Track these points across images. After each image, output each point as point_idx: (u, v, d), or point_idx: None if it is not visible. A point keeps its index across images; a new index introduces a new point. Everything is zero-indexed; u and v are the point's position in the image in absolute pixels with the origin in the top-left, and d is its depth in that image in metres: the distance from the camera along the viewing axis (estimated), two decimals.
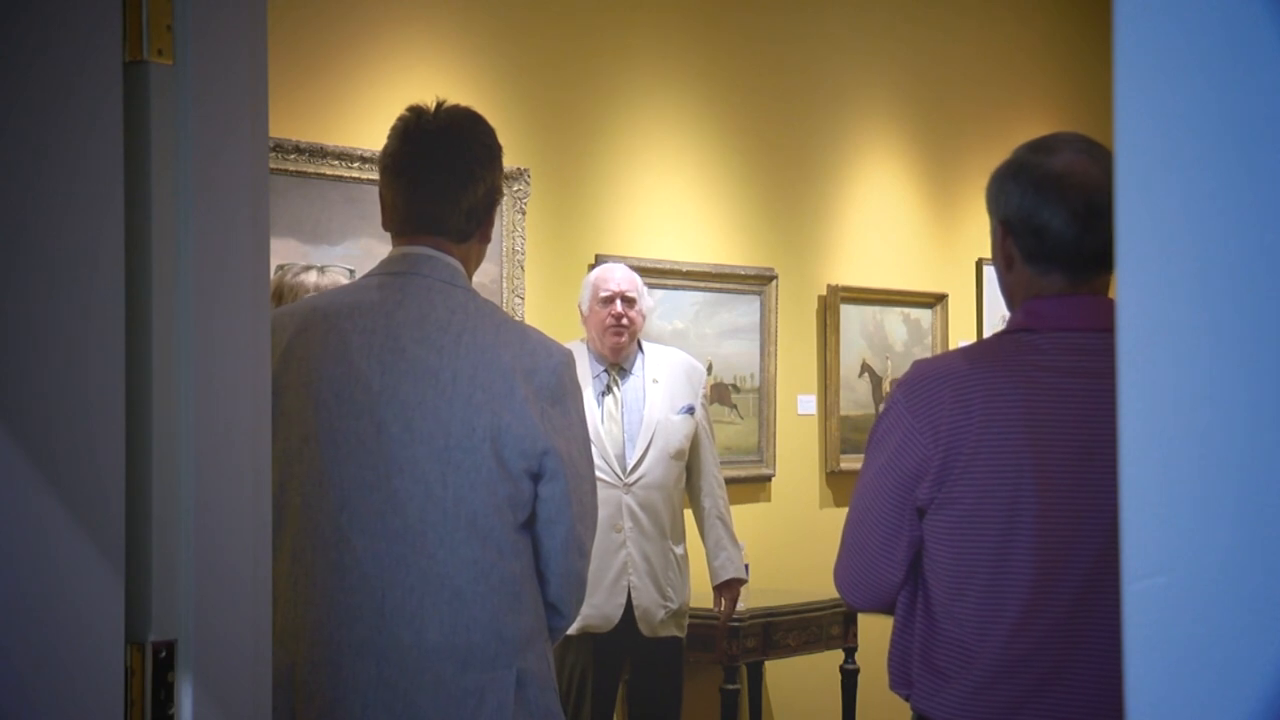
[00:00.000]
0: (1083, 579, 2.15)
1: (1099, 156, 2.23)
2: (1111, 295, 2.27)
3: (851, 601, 2.42)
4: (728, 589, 4.97)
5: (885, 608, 2.36)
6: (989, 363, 2.23)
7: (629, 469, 4.68)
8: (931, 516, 2.23)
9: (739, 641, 5.30)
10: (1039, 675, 2.16)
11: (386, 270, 2.50)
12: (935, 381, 2.23)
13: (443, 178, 2.47)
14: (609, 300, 4.69)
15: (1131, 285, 0.95)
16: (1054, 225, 2.20)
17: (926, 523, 2.24)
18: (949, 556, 2.23)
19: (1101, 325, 2.21)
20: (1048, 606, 2.16)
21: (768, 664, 5.83)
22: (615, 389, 4.74)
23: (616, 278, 4.74)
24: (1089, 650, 2.15)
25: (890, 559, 2.29)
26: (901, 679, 2.31)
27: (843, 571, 2.38)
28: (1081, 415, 2.16)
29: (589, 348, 4.75)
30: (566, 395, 2.46)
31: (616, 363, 4.75)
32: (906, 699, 2.31)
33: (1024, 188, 2.23)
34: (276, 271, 3.35)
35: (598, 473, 4.53)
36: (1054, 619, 2.16)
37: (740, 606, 5.13)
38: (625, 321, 4.68)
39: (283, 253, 4.41)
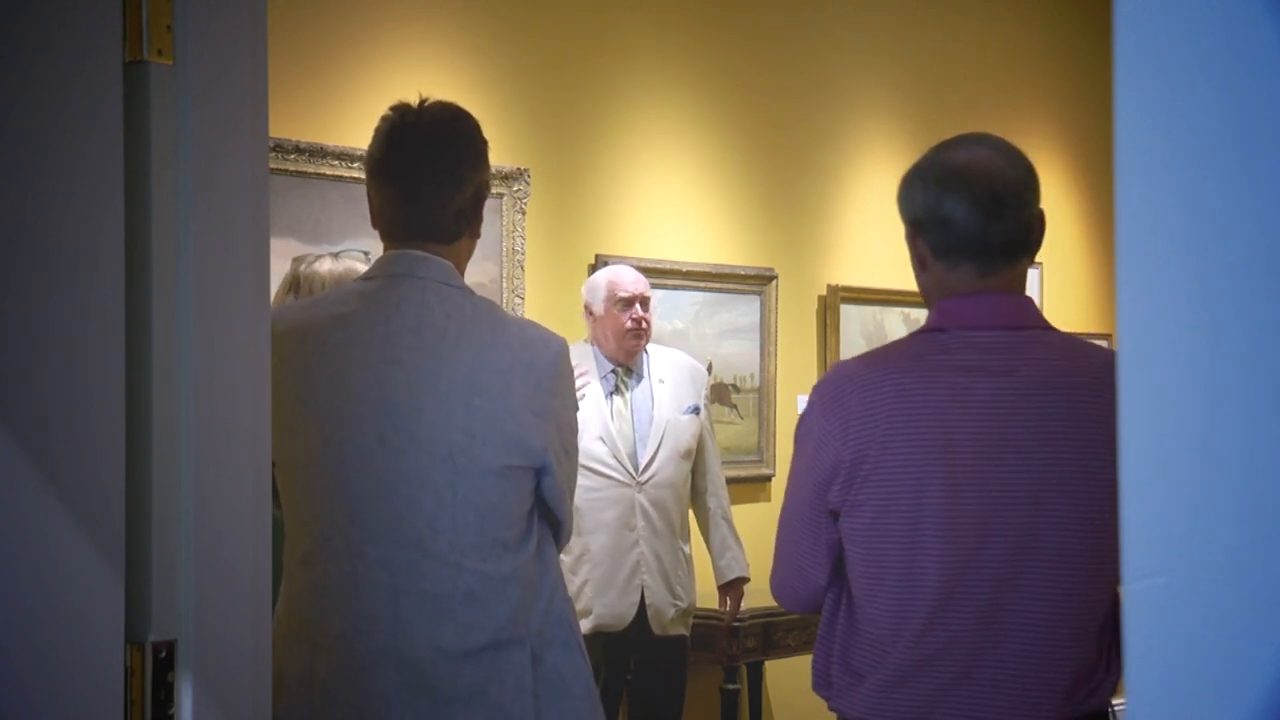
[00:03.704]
0: (993, 580, 2.16)
1: (1005, 150, 2.26)
2: (1026, 292, 2.30)
3: (785, 605, 2.45)
4: (733, 588, 4.98)
5: (815, 610, 2.38)
6: (898, 363, 2.25)
7: (641, 468, 4.67)
8: (845, 518, 2.25)
9: (739, 641, 5.30)
10: (948, 676, 2.18)
11: (382, 273, 2.48)
12: (846, 383, 2.26)
13: (432, 184, 2.45)
14: (629, 303, 4.65)
15: (1131, 285, 0.95)
16: (958, 215, 2.22)
17: (842, 525, 2.26)
18: (862, 557, 2.25)
19: (1010, 323, 2.23)
20: (956, 606, 2.17)
21: (768, 664, 5.82)
22: (624, 389, 4.73)
23: (632, 279, 4.71)
24: (1000, 651, 2.17)
25: (814, 562, 2.32)
26: (823, 680, 2.33)
27: (775, 576, 2.42)
28: (989, 414, 2.18)
29: (595, 348, 4.73)
30: (564, 382, 2.48)
31: (624, 363, 4.74)
32: (827, 700, 2.33)
33: (927, 183, 2.25)
34: (292, 263, 3.35)
35: (609, 471, 4.59)
36: (963, 619, 2.17)
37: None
38: (645, 325, 4.67)
39: (283, 253, 4.40)
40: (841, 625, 2.30)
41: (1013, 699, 2.16)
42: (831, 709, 2.32)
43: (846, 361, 2.36)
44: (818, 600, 2.34)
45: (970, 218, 2.21)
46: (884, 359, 2.28)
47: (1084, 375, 2.20)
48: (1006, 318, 2.23)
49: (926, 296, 2.31)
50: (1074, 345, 2.29)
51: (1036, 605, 2.16)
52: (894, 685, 2.21)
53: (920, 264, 2.29)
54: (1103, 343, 7.57)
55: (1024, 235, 2.24)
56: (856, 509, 2.23)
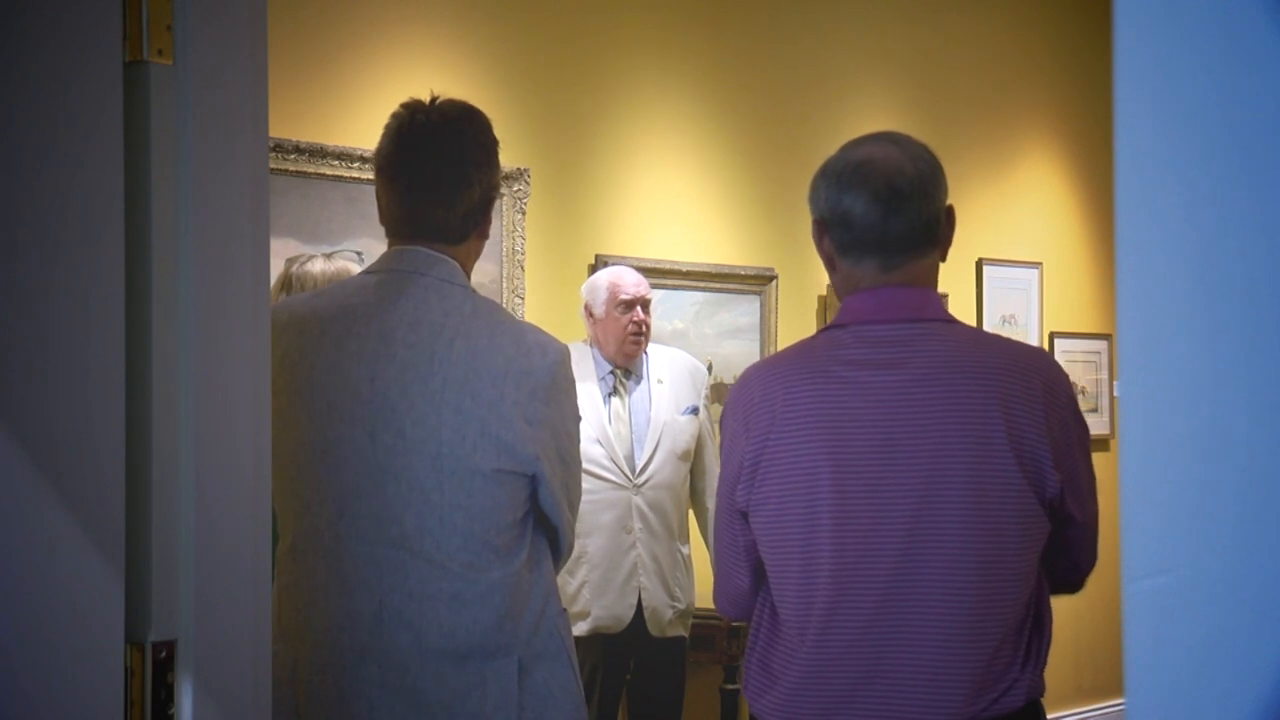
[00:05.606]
0: (885, 575, 2.14)
1: (907, 146, 2.26)
2: (935, 286, 2.29)
3: (721, 610, 2.45)
4: None
5: (748, 615, 2.37)
6: (793, 360, 2.26)
7: (638, 470, 4.67)
8: (752, 517, 2.26)
9: (739, 641, 5.29)
10: (853, 676, 2.16)
11: (386, 267, 2.46)
12: (749, 382, 2.28)
13: (436, 185, 2.43)
14: (630, 305, 4.63)
15: (1131, 285, 0.95)
16: (857, 210, 2.22)
17: (751, 525, 2.26)
18: (769, 556, 2.25)
19: (907, 316, 2.22)
20: (851, 603, 2.16)
21: None
22: (622, 390, 4.72)
23: (633, 281, 4.68)
24: (902, 650, 2.14)
25: (736, 565, 2.32)
26: (746, 682, 2.33)
27: (715, 582, 2.43)
28: (879, 407, 2.17)
29: (594, 349, 4.73)
30: (561, 391, 2.43)
31: (623, 365, 4.73)
32: (749, 703, 2.33)
33: (829, 181, 2.26)
34: (285, 263, 3.35)
35: (606, 474, 4.58)
36: (859, 616, 2.15)
37: None
38: (645, 328, 4.66)
39: (283, 253, 4.40)
40: (765, 628, 2.29)
41: (917, 699, 2.13)
42: (752, 713, 2.31)
43: (758, 361, 2.38)
44: (747, 604, 2.34)
45: (869, 212, 2.21)
46: (783, 357, 2.30)
47: (977, 367, 2.18)
48: (904, 311, 2.22)
49: (839, 296, 2.30)
50: (973, 337, 2.26)
51: (932, 602, 2.13)
52: (800, 687, 2.19)
53: (829, 264, 2.29)
54: (1103, 343, 7.57)
55: (926, 229, 2.23)
56: (760, 507, 2.23)
